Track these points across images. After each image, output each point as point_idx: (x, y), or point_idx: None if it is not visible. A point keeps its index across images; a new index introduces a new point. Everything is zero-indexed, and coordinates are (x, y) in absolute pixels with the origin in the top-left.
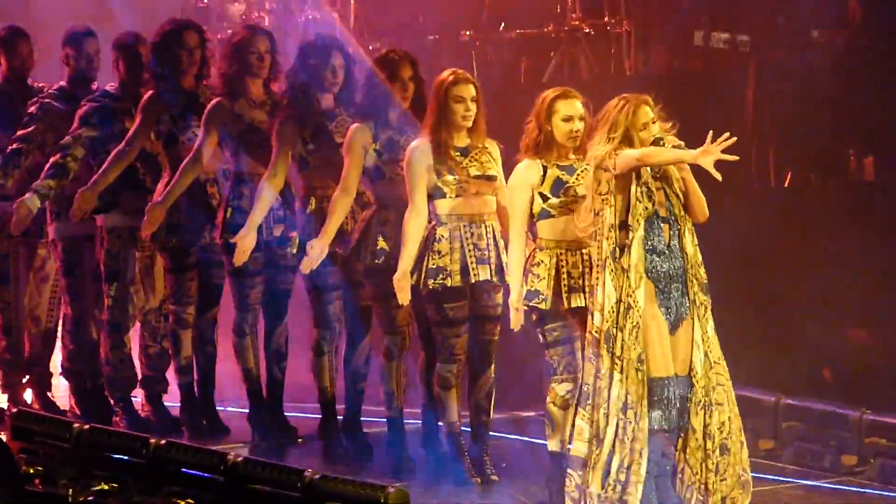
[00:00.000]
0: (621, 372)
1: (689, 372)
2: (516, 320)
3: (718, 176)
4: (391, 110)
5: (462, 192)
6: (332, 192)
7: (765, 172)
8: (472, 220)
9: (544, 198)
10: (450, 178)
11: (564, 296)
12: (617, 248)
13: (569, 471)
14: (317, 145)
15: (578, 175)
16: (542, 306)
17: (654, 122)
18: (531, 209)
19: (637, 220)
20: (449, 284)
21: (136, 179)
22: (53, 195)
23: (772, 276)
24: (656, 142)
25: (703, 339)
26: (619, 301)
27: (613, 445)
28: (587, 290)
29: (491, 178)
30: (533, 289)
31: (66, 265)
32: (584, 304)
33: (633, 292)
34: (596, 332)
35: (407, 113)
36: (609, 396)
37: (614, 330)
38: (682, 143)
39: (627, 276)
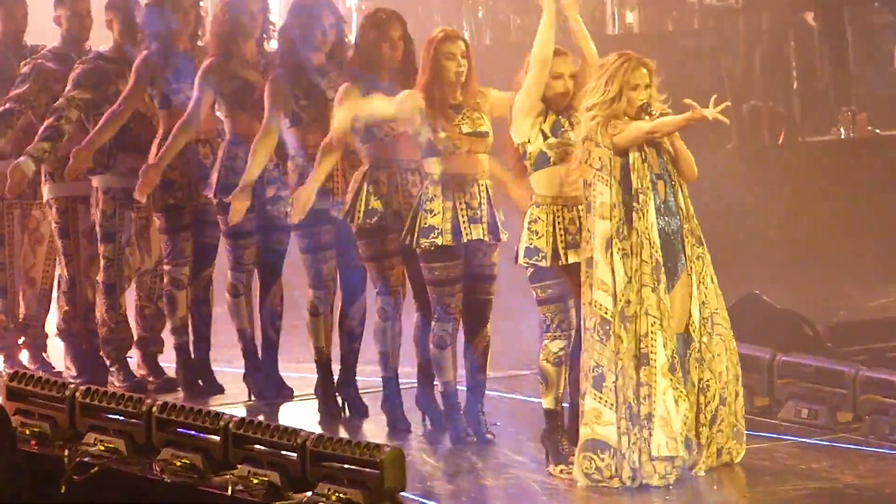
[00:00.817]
0: (664, 331)
1: (688, 328)
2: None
3: (726, 120)
4: (381, 70)
5: (454, 149)
6: None
7: (757, 130)
8: (464, 179)
9: (545, 136)
10: (442, 135)
11: (562, 252)
12: (624, 227)
13: (587, 454)
14: (309, 101)
15: (571, 122)
16: (542, 264)
17: (647, 88)
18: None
19: (647, 185)
20: (440, 244)
21: (130, 140)
22: (48, 158)
23: (764, 232)
24: (644, 107)
25: (699, 294)
26: (637, 271)
27: (676, 407)
28: (583, 245)
29: (483, 136)
30: (532, 246)
31: (60, 226)
32: (580, 260)
33: (657, 250)
34: (606, 314)
35: (397, 72)
36: (649, 362)
37: (636, 308)
38: (670, 110)
39: (648, 238)
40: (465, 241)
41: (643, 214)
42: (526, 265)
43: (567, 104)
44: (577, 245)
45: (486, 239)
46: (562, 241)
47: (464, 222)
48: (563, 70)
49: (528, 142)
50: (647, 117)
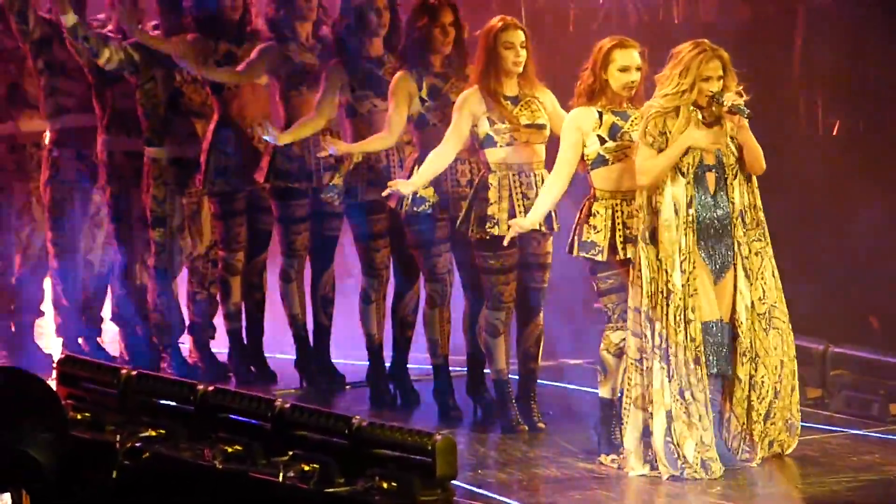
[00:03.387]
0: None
1: (734, 320)
2: (511, 233)
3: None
4: (433, 56)
5: (513, 140)
6: None
7: (813, 121)
8: (521, 169)
9: (602, 140)
10: (502, 126)
11: (619, 246)
12: (647, 231)
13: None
14: (366, 93)
15: (633, 121)
16: (599, 258)
17: (719, 79)
18: (581, 152)
19: (679, 193)
20: (497, 233)
21: (185, 123)
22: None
23: (820, 224)
24: (713, 97)
25: (748, 287)
26: (652, 280)
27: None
28: None
29: (541, 127)
30: (589, 240)
31: (113, 211)
32: None
33: (696, 256)
34: (636, 307)
35: (449, 58)
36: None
37: (653, 312)
38: (742, 101)
39: (671, 257)
40: None
41: (671, 227)
42: (584, 258)
43: (630, 97)
44: (635, 240)
45: (542, 228)
46: (620, 236)
47: (520, 212)
48: (630, 62)
49: (585, 146)
50: (716, 108)
